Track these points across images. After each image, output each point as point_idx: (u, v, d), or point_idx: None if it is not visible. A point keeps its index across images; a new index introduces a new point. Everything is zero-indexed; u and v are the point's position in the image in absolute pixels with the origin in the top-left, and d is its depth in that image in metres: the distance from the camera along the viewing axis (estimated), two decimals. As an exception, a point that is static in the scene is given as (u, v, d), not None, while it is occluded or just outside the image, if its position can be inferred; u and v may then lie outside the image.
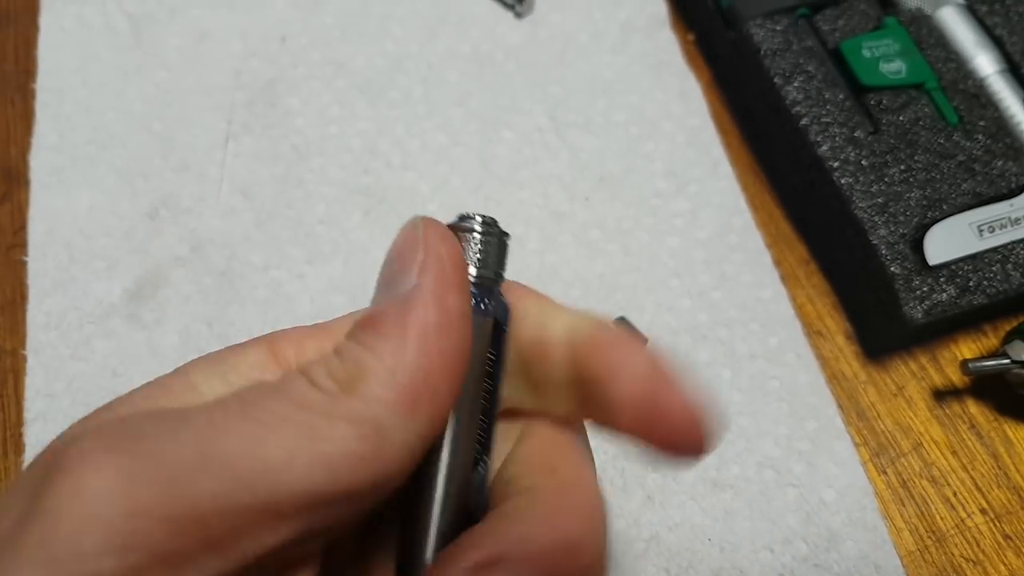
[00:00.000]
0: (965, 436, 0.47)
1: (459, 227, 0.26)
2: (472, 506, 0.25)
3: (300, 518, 0.21)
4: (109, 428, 0.21)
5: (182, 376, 0.24)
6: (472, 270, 0.26)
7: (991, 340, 0.49)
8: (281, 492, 0.20)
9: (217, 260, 0.50)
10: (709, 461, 0.45)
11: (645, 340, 0.47)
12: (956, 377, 0.48)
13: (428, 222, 0.25)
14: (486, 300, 0.25)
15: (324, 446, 0.21)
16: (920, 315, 0.45)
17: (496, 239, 0.26)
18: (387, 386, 0.21)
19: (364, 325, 0.23)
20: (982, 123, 0.50)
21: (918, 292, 0.46)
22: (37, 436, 0.45)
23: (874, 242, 0.47)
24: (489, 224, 0.26)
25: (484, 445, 0.26)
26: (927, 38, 0.53)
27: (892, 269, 0.46)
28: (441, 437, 0.24)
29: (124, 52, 0.57)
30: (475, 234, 0.26)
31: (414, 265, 0.23)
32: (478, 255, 0.26)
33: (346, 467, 0.21)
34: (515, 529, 0.23)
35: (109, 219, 0.51)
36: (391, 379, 0.21)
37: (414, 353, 0.22)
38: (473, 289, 0.25)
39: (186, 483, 0.19)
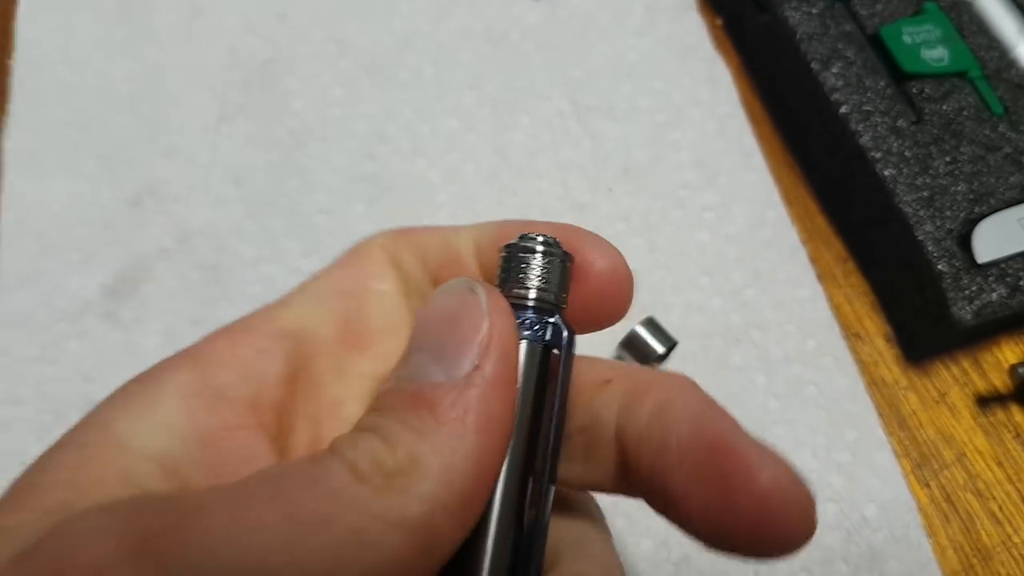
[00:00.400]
0: (1010, 446, 0.44)
1: (520, 247, 0.25)
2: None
3: None
4: (124, 523, 0.19)
5: (101, 430, 0.22)
6: (532, 292, 0.24)
7: (1035, 344, 0.47)
8: None
9: (205, 253, 0.46)
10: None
11: (674, 343, 0.44)
12: (1000, 383, 0.46)
13: (491, 292, 0.23)
14: (537, 325, 0.24)
15: (372, 554, 0.19)
16: (970, 316, 0.42)
17: (559, 259, 0.25)
18: (444, 487, 0.20)
19: (416, 405, 0.21)
20: (1028, 113, 0.47)
21: (967, 292, 0.43)
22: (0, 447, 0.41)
23: (920, 238, 0.44)
24: (551, 245, 0.25)
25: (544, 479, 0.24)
26: (968, 25, 0.50)
27: (939, 267, 0.43)
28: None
29: (109, 27, 0.52)
30: (536, 255, 0.25)
31: (474, 343, 0.21)
32: (540, 277, 0.25)
33: (390, 574, 0.19)
34: None
35: (87, 207, 0.47)
36: (447, 478, 0.20)
37: (474, 450, 0.20)
38: (532, 315, 0.24)
39: None
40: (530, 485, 0.23)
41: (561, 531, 0.24)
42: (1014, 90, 0.48)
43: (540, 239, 0.25)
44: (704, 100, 0.51)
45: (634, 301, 0.46)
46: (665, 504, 0.22)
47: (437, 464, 0.20)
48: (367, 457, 0.20)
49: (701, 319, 0.46)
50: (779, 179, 0.50)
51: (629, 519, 0.41)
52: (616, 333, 0.44)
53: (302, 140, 0.49)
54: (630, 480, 0.23)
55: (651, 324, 0.44)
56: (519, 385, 0.23)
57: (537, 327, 0.24)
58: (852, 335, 0.46)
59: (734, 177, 0.49)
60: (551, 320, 0.24)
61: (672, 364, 0.44)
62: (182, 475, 0.22)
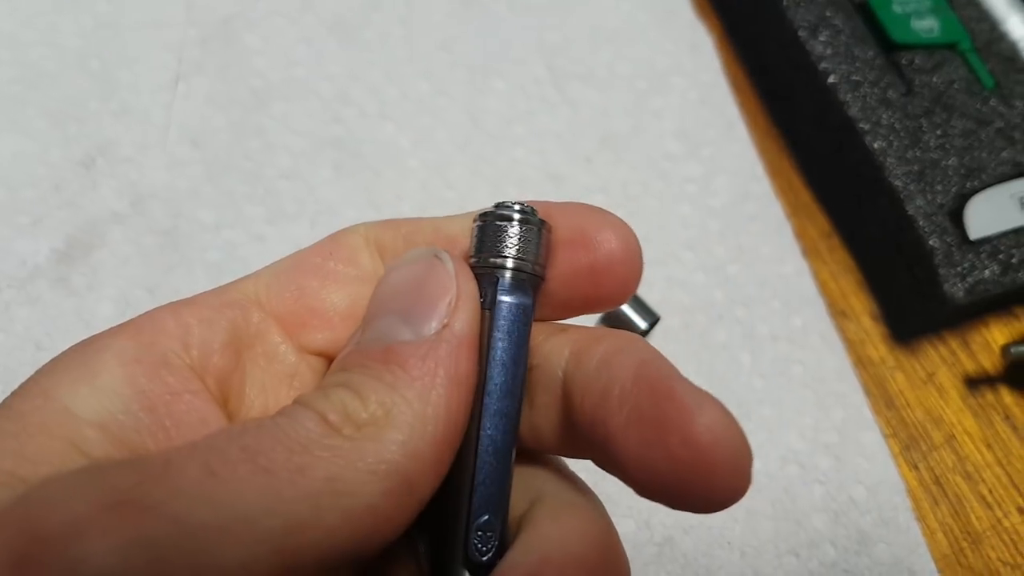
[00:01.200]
0: (1000, 428, 0.43)
1: (496, 215, 0.25)
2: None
3: (327, 566, 0.19)
4: (92, 483, 0.18)
5: (42, 398, 0.22)
6: (510, 263, 0.24)
7: (1023, 324, 0.45)
8: (306, 555, 0.18)
9: (161, 217, 0.43)
10: (727, 454, 0.40)
11: (656, 318, 0.42)
12: (989, 363, 0.44)
13: (458, 259, 0.24)
14: (521, 294, 0.24)
15: (349, 501, 0.19)
16: (962, 294, 0.41)
17: (536, 228, 0.24)
18: (419, 436, 0.20)
19: (387, 360, 0.21)
20: (1019, 88, 0.46)
21: (959, 268, 0.41)
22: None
23: (911, 213, 0.42)
24: (528, 213, 0.25)
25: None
26: (958, -5, 0.48)
27: (931, 242, 0.42)
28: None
29: (58, -22, 0.49)
30: (513, 223, 0.24)
31: (443, 303, 0.22)
32: (517, 246, 0.24)
33: (369, 523, 0.19)
34: (542, 549, 0.22)
35: (36, 168, 0.44)
36: (422, 428, 0.20)
37: (445, 402, 0.21)
38: (511, 282, 0.24)
39: (213, 551, 0.17)
40: (497, 435, 0.24)
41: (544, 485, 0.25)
42: (1005, 63, 0.47)
43: (516, 207, 0.25)
44: (687, 68, 0.49)
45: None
46: (604, 452, 0.22)
47: (411, 414, 0.20)
48: (338, 409, 0.20)
49: (683, 295, 0.44)
50: (763, 151, 0.48)
51: (610, 499, 0.39)
52: (595, 307, 0.42)
53: (264, 100, 0.46)
54: (572, 432, 0.23)
55: (633, 299, 0.42)
56: (483, 346, 0.23)
57: (498, 291, 0.24)
58: (838, 313, 0.45)
59: (718, 148, 0.47)
60: (502, 285, 0.24)
61: (654, 341, 0.42)
62: (130, 441, 0.22)
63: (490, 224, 0.24)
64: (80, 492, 0.18)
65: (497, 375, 0.24)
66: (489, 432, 0.23)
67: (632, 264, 0.25)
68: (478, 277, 0.24)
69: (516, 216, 0.24)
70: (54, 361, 0.23)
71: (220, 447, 0.19)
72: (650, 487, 0.21)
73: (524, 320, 0.24)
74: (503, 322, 0.24)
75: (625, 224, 0.26)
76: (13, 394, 0.22)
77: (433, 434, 0.20)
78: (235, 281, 0.27)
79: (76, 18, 0.48)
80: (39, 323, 0.40)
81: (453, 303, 0.22)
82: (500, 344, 0.24)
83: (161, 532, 0.17)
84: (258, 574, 0.18)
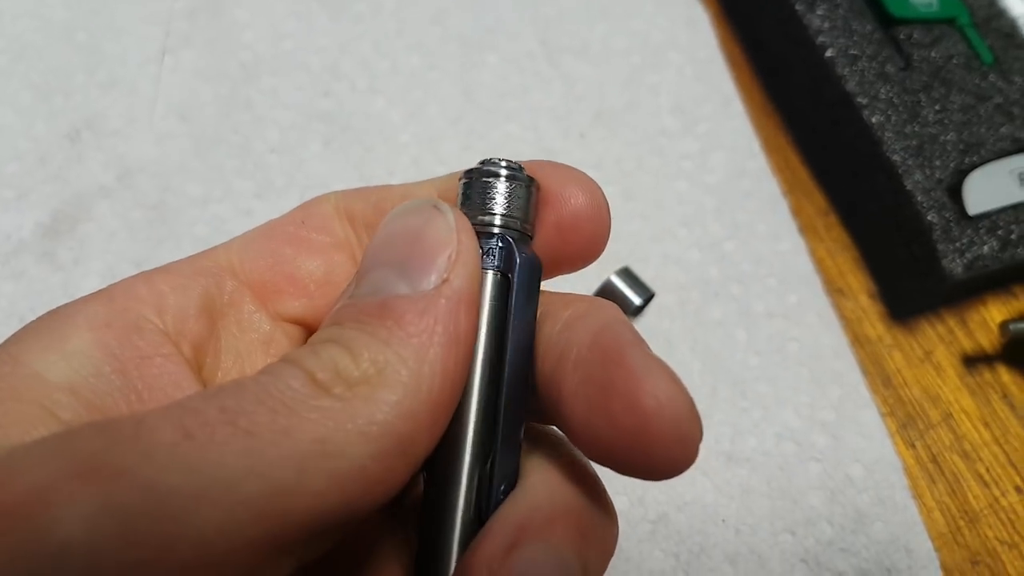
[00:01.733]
0: (997, 407, 0.42)
1: (482, 172, 0.24)
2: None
3: (306, 546, 0.19)
4: (59, 449, 0.17)
5: (11, 364, 0.21)
6: (498, 220, 0.24)
7: (1022, 302, 0.45)
8: (290, 520, 0.17)
9: (148, 191, 0.42)
10: (722, 432, 0.40)
11: (651, 294, 0.41)
12: (987, 342, 0.44)
13: (456, 211, 0.23)
14: (496, 251, 0.23)
15: (337, 463, 0.18)
16: (960, 269, 0.40)
17: (523, 185, 0.24)
18: (413, 395, 0.19)
19: (382, 315, 0.20)
20: (1018, 64, 0.46)
21: (958, 244, 0.41)
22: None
23: (909, 188, 0.42)
24: (515, 170, 0.24)
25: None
26: (957, -30, 0.48)
27: (929, 218, 0.41)
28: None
29: (42, -51, 0.48)
30: (500, 180, 0.24)
31: (442, 258, 0.21)
32: (504, 203, 0.24)
33: (359, 487, 0.18)
34: (531, 500, 0.22)
35: (21, 141, 0.43)
36: (417, 387, 0.19)
37: (442, 360, 0.20)
38: (500, 242, 0.23)
39: (187, 518, 0.17)
40: (502, 401, 0.23)
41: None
42: (1003, 39, 0.46)
43: (504, 163, 0.24)
44: (683, 43, 0.49)
45: (609, 251, 0.43)
46: (556, 414, 0.22)
47: (406, 373, 0.19)
48: (328, 367, 0.19)
49: (679, 271, 0.43)
50: (759, 127, 0.48)
51: (603, 476, 0.39)
52: (590, 283, 0.42)
53: (253, 74, 0.46)
54: (534, 395, 0.23)
55: (627, 274, 0.42)
56: (484, 307, 0.23)
57: (496, 253, 0.23)
58: (835, 290, 0.44)
59: (714, 124, 0.47)
60: (501, 245, 0.23)
61: (649, 318, 0.42)
62: (102, 404, 0.21)
63: (477, 181, 0.24)
64: (46, 459, 0.17)
65: (519, 338, 0.23)
66: (509, 397, 0.23)
67: (599, 220, 0.25)
68: None
69: (504, 172, 0.24)
70: (24, 329, 0.22)
71: (197, 408, 0.18)
72: (596, 451, 0.21)
73: (537, 277, 0.24)
74: (521, 280, 0.23)
75: (592, 180, 0.25)
76: None
77: (429, 394, 0.19)
78: (208, 250, 0.26)
79: (62, -10, 0.47)
80: (24, 298, 0.40)
81: (453, 257, 0.21)
82: (518, 303, 0.23)
83: (131, 499, 0.16)
84: (239, 541, 0.17)
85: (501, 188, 0.24)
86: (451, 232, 0.22)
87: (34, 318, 0.38)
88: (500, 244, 0.23)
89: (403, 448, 0.19)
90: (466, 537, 0.22)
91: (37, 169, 0.42)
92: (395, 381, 0.19)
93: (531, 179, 0.24)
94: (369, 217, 0.27)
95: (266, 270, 0.26)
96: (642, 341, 0.22)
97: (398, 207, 0.24)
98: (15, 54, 0.45)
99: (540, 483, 0.23)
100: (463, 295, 0.21)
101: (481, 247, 0.23)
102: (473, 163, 0.25)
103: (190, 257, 0.26)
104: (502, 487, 0.23)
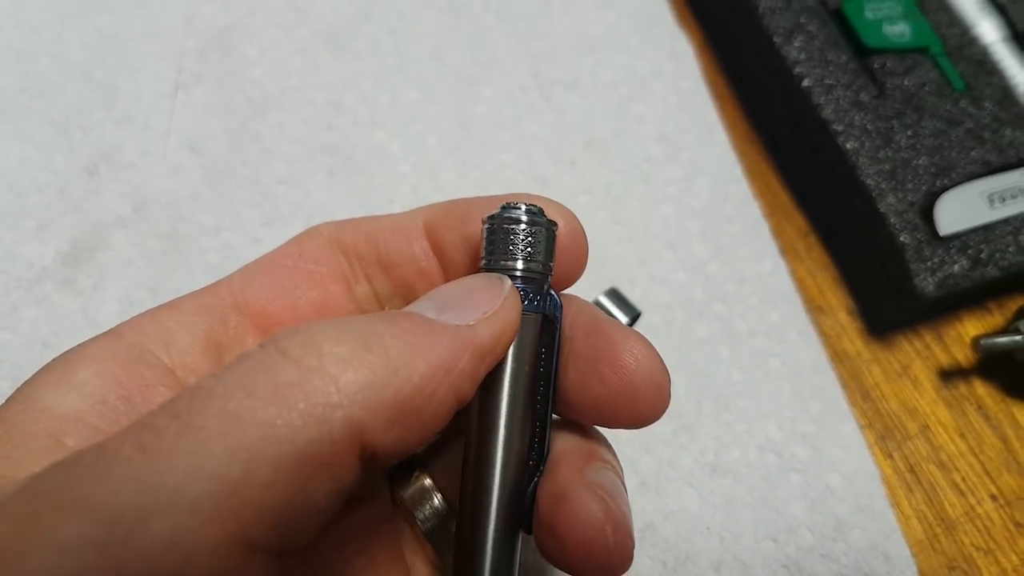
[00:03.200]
0: (973, 419, 0.44)
1: (503, 218, 0.25)
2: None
3: (276, 540, 0.18)
4: (26, 493, 0.18)
5: (22, 402, 0.22)
6: (520, 264, 0.25)
7: (996, 318, 0.47)
8: (245, 515, 0.17)
9: (162, 221, 0.45)
10: (707, 444, 0.42)
11: (637, 313, 0.43)
12: (962, 356, 0.46)
13: (514, 288, 0.25)
14: (536, 295, 0.25)
15: (281, 448, 0.18)
16: (932, 288, 0.42)
17: (544, 229, 0.25)
18: (380, 392, 0.20)
19: (392, 317, 0.22)
20: (988, 90, 0.48)
21: (929, 263, 0.43)
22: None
23: (882, 210, 0.44)
24: (535, 214, 0.25)
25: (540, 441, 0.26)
26: (930, 1, 0.50)
27: (902, 239, 0.43)
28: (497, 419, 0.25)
29: (61, -7, 0.51)
30: (521, 225, 0.25)
31: (479, 311, 0.23)
32: (527, 248, 0.25)
33: (309, 472, 0.18)
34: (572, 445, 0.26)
35: (42, 174, 0.46)
36: (387, 384, 0.20)
37: (421, 376, 0.20)
38: (521, 284, 0.25)
39: (136, 539, 0.17)
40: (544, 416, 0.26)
41: None
42: (975, 66, 0.48)
43: (523, 208, 0.25)
44: (667, 74, 0.51)
45: (597, 273, 0.46)
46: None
47: (381, 363, 0.20)
48: (305, 340, 0.20)
49: (664, 292, 0.45)
50: (742, 154, 0.50)
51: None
52: (579, 303, 0.44)
53: (261, 109, 0.48)
54: None
55: (614, 294, 0.44)
56: (513, 350, 0.25)
57: (536, 298, 0.25)
58: (815, 308, 0.46)
59: (697, 151, 0.49)
60: (538, 296, 0.25)
61: (635, 335, 0.44)
62: (108, 430, 0.22)
63: (500, 227, 0.25)
64: (11, 507, 0.18)
65: (550, 362, 0.26)
66: (541, 412, 0.26)
67: (578, 248, 0.27)
68: None
69: (525, 218, 0.25)
70: (38, 371, 0.24)
71: (152, 420, 0.18)
72: (590, 411, 0.26)
73: (560, 314, 0.26)
74: (553, 319, 0.26)
75: (569, 211, 0.27)
76: (0, 406, 0.23)
77: (396, 396, 0.20)
78: (211, 286, 0.28)
79: (80, 30, 0.50)
80: (46, 323, 0.42)
81: (488, 314, 0.23)
82: (547, 338, 0.26)
83: (81, 529, 0.17)
84: (194, 548, 0.17)
85: (525, 233, 0.25)
86: (499, 298, 0.24)
87: (55, 341, 0.41)
88: (533, 289, 0.25)
89: (353, 437, 0.19)
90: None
91: (57, 201, 0.45)
92: (366, 365, 0.19)
93: (552, 222, 0.26)
94: (360, 247, 0.29)
95: (267, 303, 0.28)
96: (611, 318, 0.26)
97: (472, 275, 0.26)
98: (36, 92, 0.48)
99: (566, 437, 0.27)
100: (476, 343, 0.22)
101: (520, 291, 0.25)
102: (469, 192, 0.27)
103: (194, 293, 0.28)
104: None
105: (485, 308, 0.23)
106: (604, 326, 0.25)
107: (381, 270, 0.29)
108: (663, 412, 0.25)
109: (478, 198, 0.29)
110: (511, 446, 0.25)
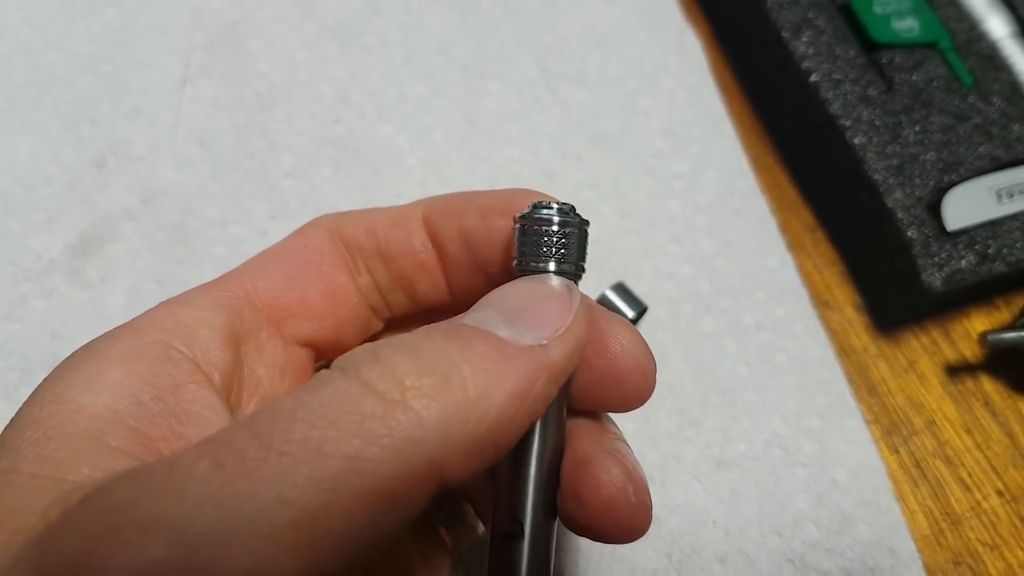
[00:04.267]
0: (979, 414, 0.44)
1: (535, 218, 0.25)
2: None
3: (339, 569, 0.18)
4: (99, 504, 0.18)
5: (55, 403, 0.22)
6: (552, 265, 0.25)
7: (1003, 314, 0.47)
8: (322, 547, 0.18)
9: (170, 213, 0.45)
10: (713, 438, 0.42)
11: (644, 308, 0.43)
12: (969, 352, 0.46)
13: (586, 299, 0.25)
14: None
15: (365, 482, 0.18)
16: (939, 283, 0.42)
17: (576, 229, 0.25)
18: (460, 427, 0.20)
19: (468, 341, 0.21)
20: (997, 86, 0.47)
21: (936, 259, 0.43)
22: (-36, 403, 0.40)
23: (890, 205, 0.44)
24: (567, 213, 0.25)
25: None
26: (939, -4, 0.50)
27: (909, 234, 0.43)
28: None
29: (70, -13, 0.51)
30: (554, 226, 0.25)
31: (551, 326, 0.23)
32: (560, 249, 0.25)
33: (387, 505, 0.19)
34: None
35: (51, 167, 0.46)
36: (467, 419, 0.20)
37: (499, 408, 0.20)
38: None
39: (217, 566, 0.17)
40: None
41: None
42: (983, 62, 0.48)
43: (555, 208, 0.25)
44: (674, 69, 0.51)
45: (604, 267, 0.46)
46: None
47: (461, 398, 0.20)
48: (386, 373, 0.19)
49: (671, 286, 0.45)
50: (749, 148, 0.50)
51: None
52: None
53: (268, 102, 0.48)
54: None
55: (621, 289, 0.44)
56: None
57: None
58: (822, 303, 0.46)
59: (704, 146, 0.49)
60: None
61: (643, 330, 0.44)
62: (144, 429, 0.23)
63: (531, 228, 0.25)
64: (87, 519, 0.18)
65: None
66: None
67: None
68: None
69: (557, 218, 0.25)
70: (62, 367, 0.24)
71: (229, 438, 0.18)
72: (577, 394, 0.26)
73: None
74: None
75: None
76: (27, 404, 0.23)
77: (475, 429, 0.20)
78: (222, 278, 0.28)
79: (88, 24, 0.50)
80: (54, 314, 0.42)
81: (560, 332, 0.23)
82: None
83: (161, 552, 0.17)
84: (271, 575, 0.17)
85: (556, 234, 0.25)
86: (570, 312, 0.23)
87: (64, 332, 0.41)
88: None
89: (433, 472, 0.19)
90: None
91: (66, 193, 0.45)
92: (448, 401, 0.19)
93: (584, 221, 0.25)
94: (360, 239, 0.29)
95: (278, 295, 0.28)
96: (596, 305, 0.27)
97: (531, 276, 0.25)
98: (44, 85, 0.48)
99: (577, 414, 0.27)
100: (551, 366, 0.22)
101: None
102: (476, 186, 0.26)
103: (205, 286, 0.28)
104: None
105: (557, 324, 0.23)
106: (592, 313, 0.26)
107: (381, 262, 0.29)
108: (648, 395, 0.26)
109: (477, 192, 0.29)
110: (546, 439, 0.25)
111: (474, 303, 0.28)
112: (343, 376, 0.19)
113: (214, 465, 0.17)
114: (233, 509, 0.17)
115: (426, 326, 0.23)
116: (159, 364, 0.24)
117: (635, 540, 0.26)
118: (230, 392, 0.26)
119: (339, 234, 0.29)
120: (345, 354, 0.21)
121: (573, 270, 0.25)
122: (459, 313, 0.24)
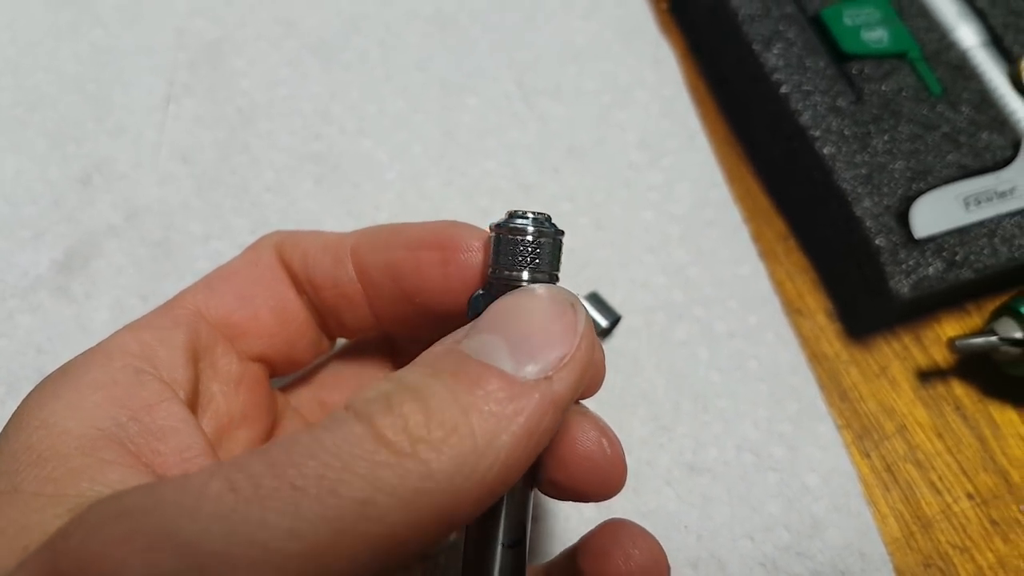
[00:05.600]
0: (950, 418, 0.45)
1: (509, 227, 0.25)
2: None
3: None
4: (114, 511, 0.18)
5: (42, 428, 0.23)
6: (526, 274, 0.24)
7: (974, 319, 0.47)
8: None
9: (154, 229, 0.46)
10: (685, 444, 0.43)
11: (617, 317, 0.44)
12: (940, 357, 0.46)
13: (589, 319, 0.24)
14: None
15: (373, 527, 0.18)
16: (907, 290, 0.43)
17: (551, 239, 0.25)
18: (469, 476, 0.20)
19: (475, 380, 0.21)
20: (966, 95, 0.48)
21: (904, 266, 0.43)
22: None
23: (858, 214, 0.44)
24: (541, 223, 0.25)
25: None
26: (909, 7, 0.51)
27: (877, 242, 0.44)
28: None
29: (56, 8, 0.52)
30: (528, 235, 0.24)
31: (555, 353, 0.22)
32: (534, 258, 0.24)
33: (392, 549, 0.19)
34: None
35: (37, 185, 0.47)
36: (476, 467, 0.20)
37: (509, 451, 0.20)
38: None
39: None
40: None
41: None
42: (953, 71, 0.49)
43: (530, 217, 0.25)
44: (649, 82, 0.52)
45: (579, 277, 0.47)
46: None
47: (470, 447, 0.20)
48: (398, 424, 0.20)
49: (645, 295, 0.46)
50: (722, 159, 0.50)
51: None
52: (560, 307, 0.45)
53: (249, 119, 0.49)
54: None
55: (595, 299, 0.44)
56: None
57: None
58: (794, 311, 0.47)
59: (678, 157, 0.50)
60: None
61: (616, 339, 0.45)
62: (127, 445, 0.24)
63: (506, 237, 0.25)
64: (101, 524, 0.18)
65: None
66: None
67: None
68: (497, 287, 0.25)
69: (531, 228, 0.25)
70: (39, 394, 0.24)
71: (244, 462, 0.19)
72: (558, 489, 0.26)
73: None
74: None
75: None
76: (11, 431, 0.23)
77: (484, 476, 0.20)
78: (177, 297, 0.29)
79: (74, 45, 0.51)
80: (40, 329, 0.43)
81: (565, 361, 0.22)
82: None
83: (169, 567, 0.17)
84: None
85: (530, 243, 0.25)
86: (575, 336, 0.22)
87: (49, 347, 0.42)
88: None
89: (441, 520, 0.19)
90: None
91: (52, 211, 0.46)
92: (457, 452, 0.19)
93: (559, 231, 0.25)
94: (295, 263, 0.30)
95: (230, 313, 0.29)
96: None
97: (541, 286, 0.25)
98: (31, 105, 0.49)
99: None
100: (557, 399, 0.21)
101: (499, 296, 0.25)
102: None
103: (163, 307, 0.29)
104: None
105: (562, 352, 0.22)
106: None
107: (311, 288, 0.30)
108: (622, 486, 0.27)
109: (407, 224, 0.29)
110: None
111: (404, 332, 0.30)
112: (357, 421, 0.20)
113: (227, 487, 0.18)
114: (245, 534, 0.17)
115: (433, 356, 0.22)
116: (132, 388, 0.25)
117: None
118: (194, 406, 0.27)
119: (280, 255, 0.30)
120: (360, 395, 0.21)
121: (547, 279, 0.25)
122: (455, 311, 0.26)
